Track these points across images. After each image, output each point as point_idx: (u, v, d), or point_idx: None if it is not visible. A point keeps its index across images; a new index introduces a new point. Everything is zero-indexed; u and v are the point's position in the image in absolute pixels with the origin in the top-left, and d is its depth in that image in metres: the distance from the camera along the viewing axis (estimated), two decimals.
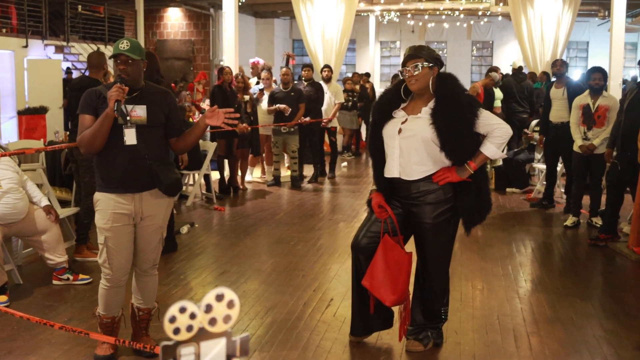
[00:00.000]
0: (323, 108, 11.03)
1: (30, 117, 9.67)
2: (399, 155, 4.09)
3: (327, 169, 11.54)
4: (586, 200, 8.01)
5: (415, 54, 4.09)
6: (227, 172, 9.96)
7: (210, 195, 9.31)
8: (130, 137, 3.83)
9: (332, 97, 11.21)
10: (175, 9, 22.58)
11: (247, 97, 9.90)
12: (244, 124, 9.45)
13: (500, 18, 24.55)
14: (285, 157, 11.45)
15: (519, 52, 26.76)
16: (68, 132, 9.54)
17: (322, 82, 11.26)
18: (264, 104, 10.41)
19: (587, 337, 4.54)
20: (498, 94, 10.77)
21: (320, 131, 11.19)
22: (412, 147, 4.04)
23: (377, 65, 29.47)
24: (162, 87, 4.40)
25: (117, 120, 3.82)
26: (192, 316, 1.11)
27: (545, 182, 9.17)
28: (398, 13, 23.45)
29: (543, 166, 9.47)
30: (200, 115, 11.66)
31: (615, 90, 11.96)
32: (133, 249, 4.04)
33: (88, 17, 17.64)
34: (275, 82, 11.42)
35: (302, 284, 5.66)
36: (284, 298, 5.28)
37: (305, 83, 10.87)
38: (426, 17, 25.69)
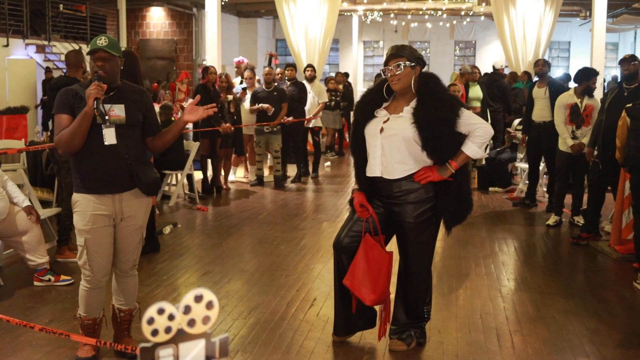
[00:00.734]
0: (306, 108, 11.02)
1: (11, 117, 9.58)
2: (381, 155, 4.09)
3: (310, 169, 11.53)
4: (568, 199, 8.06)
5: (397, 53, 4.09)
6: (210, 172, 9.92)
7: (193, 196, 9.28)
8: (109, 136, 3.80)
9: (315, 96, 11.20)
10: (158, 8, 22.47)
11: (230, 97, 9.87)
12: (227, 124, 9.42)
13: (482, 18, 24.62)
14: (268, 157, 11.42)
15: (501, 52, 26.93)
16: (49, 132, 9.48)
17: (305, 82, 11.25)
18: (246, 104, 10.39)
19: (569, 336, 4.57)
20: (477, 93, 10.81)
21: (304, 131, 11.18)
22: (393, 146, 4.04)
23: (360, 65, 29.48)
24: (137, 85, 4.35)
25: (96, 119, 3.78)
26: (171, 317, 1.09)
27: (527, 181, 9.22)
28: (381, 13, 23.46)
29: (525, 165, 9.51)
30: None
31: (597, 90, 12.02)
32: (113, 249, 4.01)
33: (70, 16, 17.51)
34: (258, 81, 11.39)
35: (285, 283, 5.65)
36: (267, 298, 5.26)
37: (288, 83, 10.85)
38: (409, 17, 25.73)
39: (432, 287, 4.42)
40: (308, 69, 11.47)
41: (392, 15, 25.06)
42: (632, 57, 6.98)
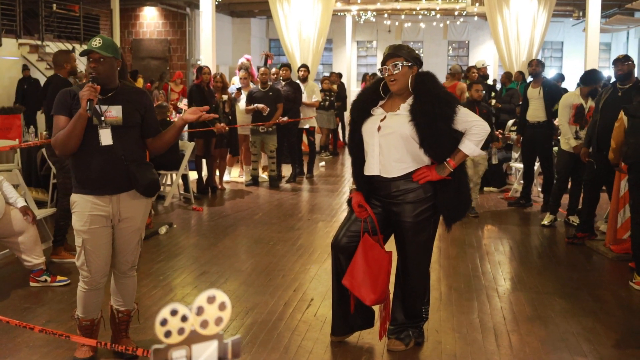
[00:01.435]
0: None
1: (5, 117, 9.51)
2: (379, 153, 4.09)
3: (305, 169, 11.53)
4: (564, 199, 8.08)
5: (395, 53, 4.10)
6: (205, 172, 9.91)
7: (188, 196, 9.26)
8: (105, 137, 3.79)
9: (309, 96, 11.19)
10: (151, 8, 22.40)
11: (225, 97, 9.85)
12: (222, 124, 9.41)
13: (476, 18, 24.67)
14: (263, 157, 11.41)
15: (494, 52, 26.98)
16: (44, 132, 9.44)
17: (298, 82, 11.25)
18: (241, 104, 10.38)
19: (566, 335, 4.58)
20: None
21: (299, 131, 11.18)
22: (391, 145, 4.05)
23: (354, 65, 29.49)
24: (138, 87, 4.34)
25: (92, 120, 3.77)
26: (184, 319, 1.09)
27: (522, 181, 9.24)
28: (375, 13, 23.46)
29: (520, 165, 9.53)
30: (177, 114, 11.62)
31: None
32: (111, 250, 4.00)
33: (63, 15, 17.43)
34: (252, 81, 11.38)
35: (282, 284, 5.65)
36: (265, 298, 5.26)
37: (283, 83, 10.84)
38: (403, 17, 25.73)
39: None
40: (301, 69, 11.46)
41: (385, 15, 25.05)
42: (626, 57, 7.00)
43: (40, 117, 13.09)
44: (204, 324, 1.11)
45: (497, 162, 9.15)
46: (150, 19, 22.56)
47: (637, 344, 4.49)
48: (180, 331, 1.09)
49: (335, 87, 14.62)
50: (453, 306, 5.13)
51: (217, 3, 14.13)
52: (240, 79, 10.64)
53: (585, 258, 6.62)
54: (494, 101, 11.92)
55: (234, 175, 11.26)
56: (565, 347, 4.39)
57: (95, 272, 3.91)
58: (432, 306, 4.72)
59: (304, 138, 11.61)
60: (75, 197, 3.90)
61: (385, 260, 4.13)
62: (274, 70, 10.87)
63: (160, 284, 5.63)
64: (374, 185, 4.19)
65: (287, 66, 11.15)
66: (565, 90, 9.12)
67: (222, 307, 1.12)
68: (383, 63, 4.14)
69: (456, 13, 22.55)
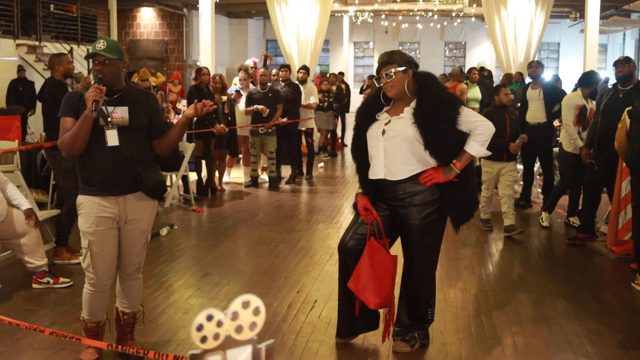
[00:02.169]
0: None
1: (5, 118, 9.48)
2: (384, 157, 4.10)
3: (304, 170, 11.53)
4: (563, 200, 8.09)
5: (387, 60, 4.13)
6: (204, 173, 9.90)
7: (188, 197, 9.25)
8: (112, 138, 3.80)
9: (307, 98, 11.19)
10: (149, 9, 22.40)
11: (224, 98, 9.85)
12: (222, 125, 9.40)
13: (473, 19, 24.73)
14: (262, 158, 11.40)
15: (490, 53, 27.04)
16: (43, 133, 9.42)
17: (298, 83, 11.25)
18: (241, 105, 10.38)
19: (570, 336, 4.59)
20: (475, 94, 10.84)
21: (298, 132, 11.18)
22: (396, 148, 4.05)
23: (351, 66, 29.55)
24: (145, 89, 4.35)
25: (99, 121, 3.78)
26: (219, 324, 1.09)
27: (522, 183, 9.25)
28: (372, 14, 23.49)
29: (520, 166, 9.53)
30: (176, 115, 11.61)
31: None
32: (117, 252, 3.99)
33: (60, 16, 17.41)
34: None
35: (285, 285, 5.65)
36: (268, 300, 5.25)
37: (283, 84, 10.84)
38: (400, 18, 25.77)
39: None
40: (301, 70, 11.47)
41: (383, 16, 25.10)
42: (627, 59, 7.02)
43: (31, 119, 13.07)
44: (239, 329, 1.11)
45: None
46: (148, 20, 22.56)
47: None
48: (216, 336, 1.09)
49: (334, 87, 14.62)
50: (456, 308, 5.14)
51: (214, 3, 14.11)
52: (240, 80, 10.63)
53: (587, 259, 6.64)
54: None
55: (234, 176, 11.23)
56: (569, 348, 4.40)
57: (101, 274, 3.90)
58: (436, 308, 4.71)
59: (303, 139, 11.60)
60: (81, 199, 3.90)
61: (390, 264, 4.13)
62: (274, 71, 10.86)
63: (163, 286, 5.63)
64: (380, 188, 4.19)
65: (287, 67, 11.15)
66: (565, 92, 9.12)
67: (256, 311, 1.12)
68: (377, 72, 4.18)
69: (453, 14, 22.59)
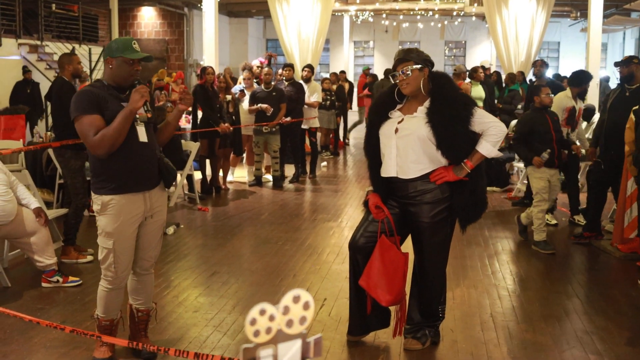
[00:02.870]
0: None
1: (9, 117, 9.50)
2: (396, 155, 4.12)
3: (307, 169, 11.54)
4: (563, 198, 8.12)
5: (404, 57, 4.14)
6: (209, 172, 9.91)
7: (193, 196, 9.27)
8: (142, 134, 3.87)
9: (311, 96, 11.22)
10: (149, 8, 22.41)
11: (229, 97, 9.87)
12: (226, 124, 9.42)
13: (473, 18, 24.75)
14: (266, 157, 11.41)
15: (490, 52, 27.07)
16: (49, 132, 9.44)
17: (301, 82, 11.27)
18: (245, 104, 10.39)
19: (579, 334, 4.61)
20: (479, 93, 10.85)
21: (302, 131, 11.20)
22: (408, 146, 4.07)
23: (351, 65, 29.55)
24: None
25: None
26: (271, 318, 1.11)
27: (526, 181, 9.27)
28: (372, 13, 23.51)
29: (522, 165, 9.56)
30: None
31: (593, 90, 12.17)
32: (134, 248, 4.01)
33: (62, 15, 17.41)
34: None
35: (293, 283, 5.66)
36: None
37: (286, 83, 10.86)
38: (401, 17, 25.79)
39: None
40: (306, 68, 11.49)
41: (383, 15, 25.12)
42: (629, 59, 7.04)
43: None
44: (289, 323, 1.13)
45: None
46: (148, 19, 22.58)
47: None
48: (268, 330, 1.11)
49: (334, 87, 14.63)
50: (466, 305, 5.16)
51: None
52: (244, 79, 10.65)
53: (593, 257, 6.66)
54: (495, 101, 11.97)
55: (237, 175, 11.24)
56: (579, 345, 4.42)
57: (121, 271, 3.92)
58: (446, 306, 4.73)
59: (306, 139, 11.62)
60: (107, 198, 3.83)
61: (401, 261, 4.15)
62: (280, 71, 10.88)
63: (172, 285, 5.64)
64: (391, 186, 4.21)
65: (290, 66, 11.17)
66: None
67: (306, 306, 1.14)
68: (394, 68, 4.18)
69: (454, 13, 22.61)
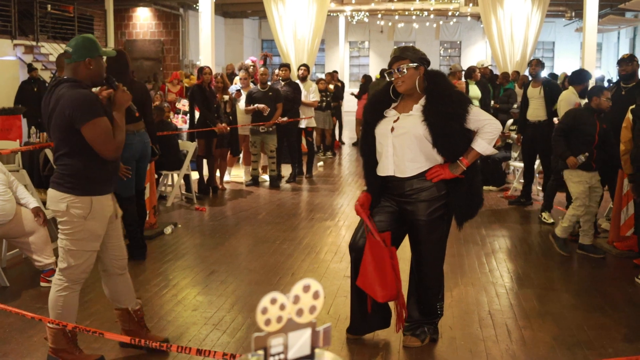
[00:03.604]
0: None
1: (6, 118, 9.50)
2: (393, 154, 4.13)
3: (304, 169, 11.55)
4: (560, 197, 8.14)
5: (400, 55, 4.15)
6: (206, 172, 9.92)
7: (190, 196, 9.27)
8: None
9: (307, 95, 11.23)
10: (145, 9, 22.40)
11: (226, 97, 9.88)
12: (223, 124, 9.42)
13: (469, 19, 24.80)
14: (263, 157, 11.42)
15: (485, 52, 27.13)
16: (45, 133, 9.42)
17: (298, 81, 11.28)
18: (241, 104, 10.40)
19: (578, 330, 4.63)
20: (475, 92, 10.88)
21: (298, 131, 11.21)
22: (405, 145, 4.09)
23: (347, 66, 29.57)
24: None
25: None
26: (282, 307, 1.12)
27: (522, 180, 9.31)
28: (367, 13, 23.54)
29: (520, 164, 9.60)
30: (176, 115, 11.63)
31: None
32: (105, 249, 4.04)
33: (57, 16, 17.40)
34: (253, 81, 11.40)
35: (292, 282, 5.67)
36: None
37: (283, 83, 10.87)
38: (396, 17, 25.82)
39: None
40: (302, 67, 11.50)
41: (379, 15, 25.14)
42: (630, 58, 7.08)
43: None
44: (300, 312, 1.15)
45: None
46: (144, 20, 22.56)
47: None
48: (279, 319, 1.13)
49: (331, 87, 14.65)
50: (464, 303, 5.18)
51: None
52: (241, 79, 10.66)
53: (590, 255, 6.67)
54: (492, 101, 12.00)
55: (234, 174, 11.25)
56: (578, 342, 4.45)
57: (89, 271, 3.95)
58: (444, 303, 4.75)
59: (302, 139, 11.63)
60: (88, 200, 3.76)
61: (387, 255, 4.14)
62: (276, 71, 10.89)
63: (171, 283, 5.65)
64: (387, 185, 4.23)
65: (287, 66, 11.18)
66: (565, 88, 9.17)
67: (316, 295, 1.16)
68: (389, 66, 4.19)
69: (449, 13, 22.65)
